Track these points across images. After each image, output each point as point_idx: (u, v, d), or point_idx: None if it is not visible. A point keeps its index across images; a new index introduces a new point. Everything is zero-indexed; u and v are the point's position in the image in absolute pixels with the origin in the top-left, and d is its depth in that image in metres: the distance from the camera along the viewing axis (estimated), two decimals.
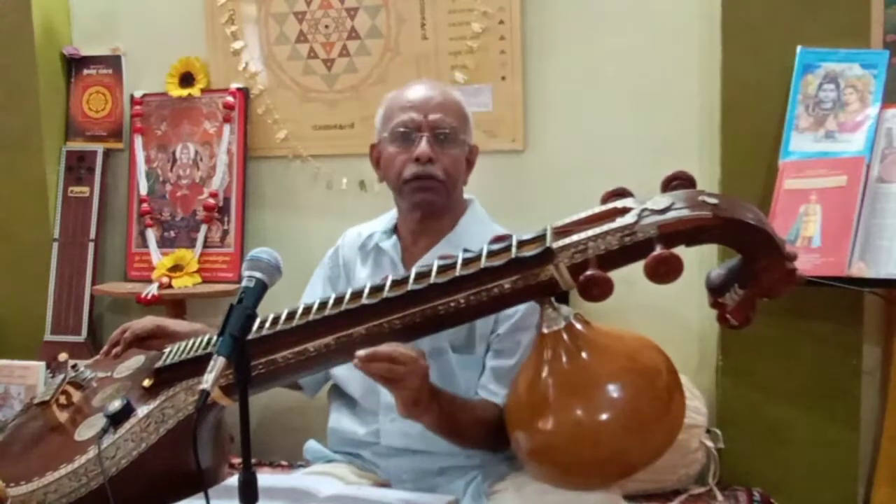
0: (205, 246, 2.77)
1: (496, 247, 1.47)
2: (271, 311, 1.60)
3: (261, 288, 1.37)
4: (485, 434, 1.61)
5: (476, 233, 1.70)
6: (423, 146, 1.70)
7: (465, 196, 1.84)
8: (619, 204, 1.44)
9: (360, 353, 1.41)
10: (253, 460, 1.28)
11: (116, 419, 1.62)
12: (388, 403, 1.66)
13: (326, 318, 1.52)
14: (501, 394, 1.63)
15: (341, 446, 1.81)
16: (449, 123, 1.72)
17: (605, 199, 1.48)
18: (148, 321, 1.90)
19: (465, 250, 1.49)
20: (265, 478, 1.36)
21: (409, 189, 1.73)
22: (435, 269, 1.48)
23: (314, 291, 1.87)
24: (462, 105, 1.79)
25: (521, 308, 1.62)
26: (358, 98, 2.68)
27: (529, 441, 1.45)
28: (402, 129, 1.73)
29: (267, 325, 1.58)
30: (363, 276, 1.80)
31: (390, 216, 1.85)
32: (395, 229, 1.82)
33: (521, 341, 1.65)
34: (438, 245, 1.74)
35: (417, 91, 1.76)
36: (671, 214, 1.35)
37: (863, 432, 2.26)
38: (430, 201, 1.73)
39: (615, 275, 1.36)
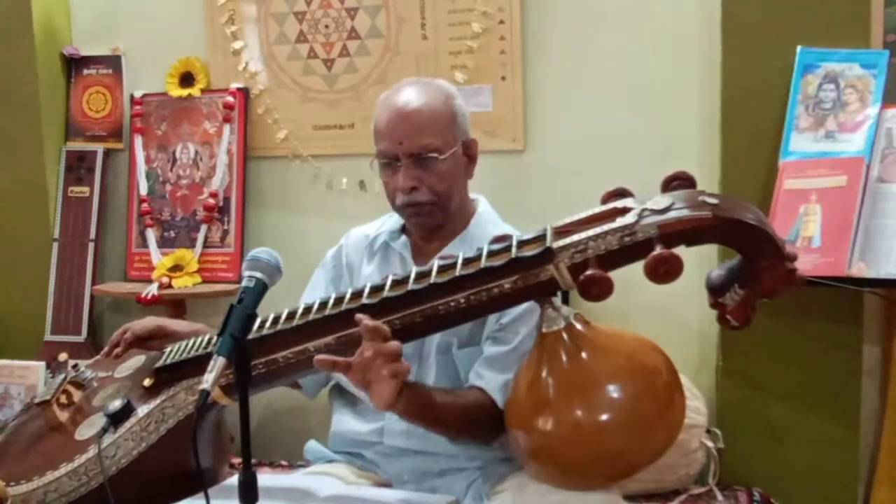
0: (205, 246, 2.77)
1: (496, 247, 1.47)
2: (271, 311, 1.60)
3: (261, 288, 1.37)
4: (466, 421, 1.60)
5: (488, 233, 1.66)
6: (401, 179, 1.68)
7: (472, 195, 1.83)
8: (619, 204, 1.44)
9: (320, 357, 1.43)
10: (253, 460, 1.28)
11: (117, 418, 1.63)
12: None
13: (327, 318, 1.52)
14: (488, 378, 1.62)
15: (343, 447, 1.81)
16: (425, 144, 1.67)
17: (605, 200, 1.48)
18: (148, 321, 1.90)
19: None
20: (265, 478, 1.36)
21: (404, 215, 1.75)
22: (435, 268, 1.49)
23: (315, 292, 1.86)
24: (443, 109, 1.72)
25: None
26: (358, 98, 2.68)
27: (530, 441, 1.45)
28: (383, 160, 1.72)
29: (267, 324, 1.58)
30: (369, 275, 1.80)
31: (396, 218, 1.84)
32: (403, 229, 1.82)
33: (520, 331, 1.64)
34: (451, 245, 1.73)
35: (392, 111, 1.70)
36: (671, 214, 1.35)
37: (863, 432, 2.26)
38: (422, 223, 1.74)
39: (615, 275, 1.36)
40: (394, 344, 1.42)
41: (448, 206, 1.72)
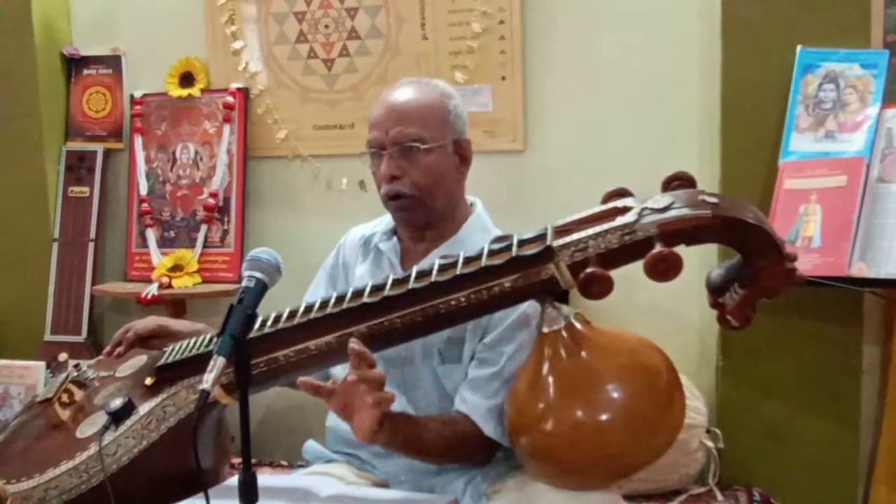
0: (205, 246, 2.77)
1: (497, 246, 1.47)
2: (271, 311, 1.60)
3: (261, 288, 1.37)
4: (452, 449, 1.59)
5: (478, 240, 1.62)
6: (383, 166, 1.67)
7: (470, 199, 1.81)
8: (619, 203, 1.44)
9: (303, 380, 1.44)
10: (253, 460, 1.28)
11: (118, 416, 1.62)
12: None
13: (328, 317, 1.52)
14: (471, 402, 1.61)
15: (339, 445, 1.80)
16: (411, 134, 1.66)
17: (605, 200, 1.49)
18: (150, 321, 1.90)
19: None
20: (265, 478, 1.36)
21: (389, 208, 1.73)
22: (436, 267, 1.49)
23: (317, 291, 1.87)
24: (434, 103, 1.70)
25: (508, 318, 1.61)
26: (358, 98, 2.68)
27: (529, 441, 1.45)
28: (371, 150, 1.72)
29: (269, 323, 1.58)
30: (360, 275, 1.80)
31: (390, 217, 1.84)
32: (394, 231, 1.82)
33: (505, 351, 1.62)
34: (439, 248, 1.71)
35: (384, 103, 1.71)
36: (671, 213, 1.35)
37: (863, 432, 2.27)
38: (406, 218, 1.72)
39: (616, 274, 1.36)
40: (377, 372, 1.42)
41: (432, 202, 1.69)
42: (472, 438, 1.59)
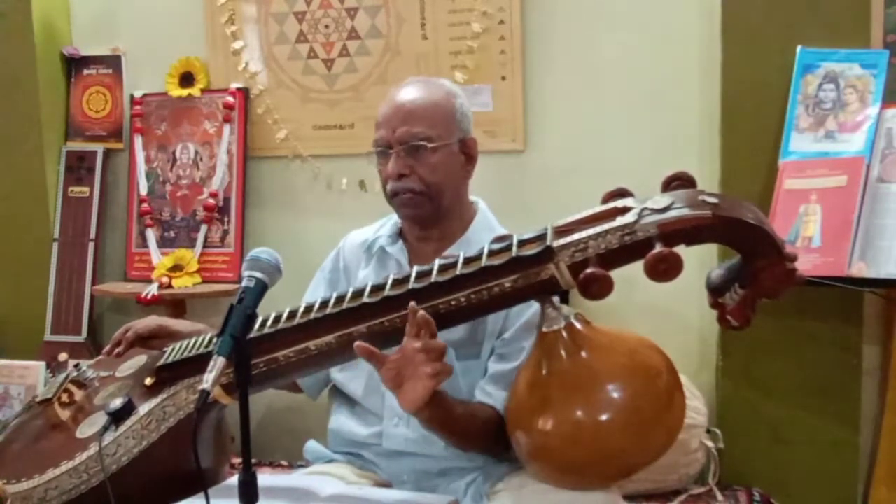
0: (205, 246, 2.77)
1: (497, 246, 1.47)
2: (271, 311, 1.60)
3: (261, 288, 1.37)
4: (481, 436, 1.60)
5: (486, 240, 1.60)
6: (390, 165, 1.68)
7: (472, 198, 1.82)
8: (619, 203, 1.44)
9: (359, 344, 1.42)
10: (253, 460, 1.28)
11: (118, 417, 1.62)
12: (392, 407, 1.66)
13: (328, 317, 1.52)
14: (496, 395, 1.62)
15: (341, 447, 1.80)
16: (418, 133, 1.67)
17: (605, 200, 1.48)
18: (150, 321, 1.90)
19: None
20: (265, 478, 1.36)
21: (394, 205, 1.73)
22: (436, 268, 1.48)
23: (315, 295, 1.85)
24: (441, 102, 1.72)
25: (527, 313, 1.62)
26: (358, 98, 2.69)
27: (529, 441, 1.45)
28: (377, 148, 1.72)
29: (269, 323, 1.58)
30: (364, 278, 1.79)
31: (393, 221, 1.84)
32: (399, 233, 1.82)
33: (525, 346, 1.63)
34: (449, 250, 1.71)
35: (391, 102, 1.72)
36: (671, 213, 1.35)
37: (863, 432, 2.27)
38: (414, 215, 1.72)
39: (616, 274, 1.36)
40: (441, 342, 1.41)
41: (439, 199, 1.70)
42: (497, 428, 1.59)
